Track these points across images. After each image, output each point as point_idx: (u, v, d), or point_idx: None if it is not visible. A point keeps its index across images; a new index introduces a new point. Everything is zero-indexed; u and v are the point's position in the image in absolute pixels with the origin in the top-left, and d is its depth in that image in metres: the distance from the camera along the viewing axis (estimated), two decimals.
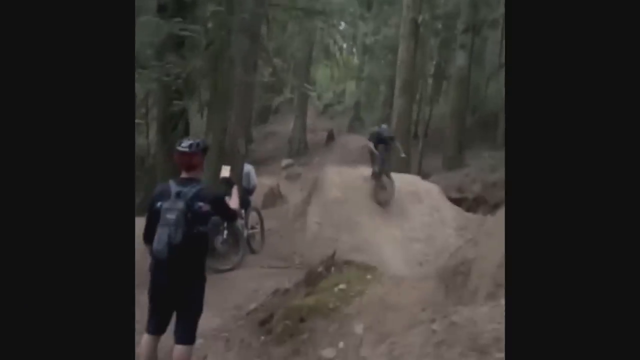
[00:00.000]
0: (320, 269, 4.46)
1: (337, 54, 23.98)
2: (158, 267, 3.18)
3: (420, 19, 14.49)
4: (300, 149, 20.10)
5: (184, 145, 3.24)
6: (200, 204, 3.10)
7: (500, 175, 12.76)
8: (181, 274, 3.18)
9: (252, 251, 7.56)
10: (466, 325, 1.51)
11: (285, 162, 18.74)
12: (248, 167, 7.84)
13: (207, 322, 4.72)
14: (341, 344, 3.69)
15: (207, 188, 3.31)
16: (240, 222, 7.22)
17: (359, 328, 3.76)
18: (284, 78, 16.65)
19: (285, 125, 22.74)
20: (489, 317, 1.45)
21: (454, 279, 3.63)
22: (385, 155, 9.71)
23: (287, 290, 4.67)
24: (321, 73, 24.38)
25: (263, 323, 4.25)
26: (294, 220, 9.78)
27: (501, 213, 3.78)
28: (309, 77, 20.11)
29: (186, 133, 7.69)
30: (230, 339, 4.26)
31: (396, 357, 1.74)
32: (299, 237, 8.86)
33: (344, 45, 25.72)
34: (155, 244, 3.07)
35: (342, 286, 4.16)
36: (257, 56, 7.20)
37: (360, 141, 21.14)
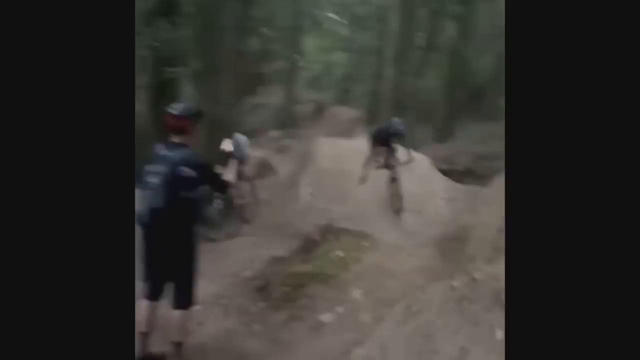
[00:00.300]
0: (316, 237, 4.48)
1: (326, 24, 23.68)
2: (144, 232, 3.16)
3: None
4: (288, 121, 19.96)
5: (176, 108, 3.21)
6: (185, 168, 3.04)
7: (488, 147, 12.86)
8: (167, 239, 3.17)
9: (245, 221, 7.57)
10: (488, 281, 1.54)
11: (273, 133, 18.62)
12: (240, 138, 7.77)
13: (203, 289, 4.74)
14: (340, 309, 3.75)
15: (194, 154, 3.21)
16: (234, 192, 7.20)
17: (357, 294, 3.82)
18: (273, 48, 16.46)
19: (273, 97, 22.53)
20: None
21: (451, 245, 3.67)
22: (390, 157, 8.39)
23: (283, 258, 4.70)
24: (310, 44, 24.05)
25: (260, 290, 4.29)
26: (285, 191, 9.78)
27: (499, 181, 3.82)
28: (298, 48, 19.85)
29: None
30: (228, 305, 4.29)
31: (414, 313, 1.76)
32: (291, 208, 8.87)
33: (333, 16, 25.40)
34: (138, 208, 3.01)
35: (339, 253, 4.20)
36: (248, 23, 7.08)
37: (348, 113, 21.09)
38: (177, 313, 3.30)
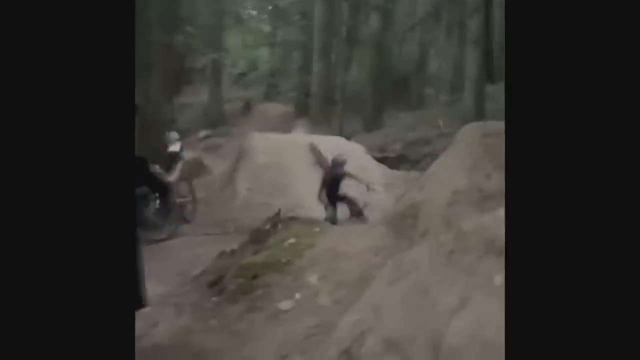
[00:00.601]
0: (267, 226, 4.44)
1: (248, 21, 23.44)
2: None
3: None
4: (217, 120, 19.57)
5: None
6: None
7: (418, 133, 13.25)
8: None
9: (185, 220, 7.38)
10: (477, 231, 1.56)
11: (202, 133, 18.21)
12: (174, 136, 7.58)
13: (151, 290, 4.57)
14: (297, 295, 3.72)
15: None
16: (171, 192, 7.00)
17: (313, 279, 3.81)
18: (196, 46, 16.09)
19: (199, 96, 21.99)
20: (502, 221, 1.50)
21: (403, 223, 3.75)
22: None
23: (233, 251, 4.61)
24: (233, 41, 23.71)
25: (212, 285, 4.18)
26: (222, 188, 9.61)
27: (444, 156, 3.94)
28: (221, 45, 19.49)
29: None
30: (180, 303, 4.16)
31: (406, 274, 1.77)
32: (229, 205, 8.74)
33: (254, 12, 25.20)
34: None
35: (291, 240, 4.17)
36: (173, 20, 6.88)
37: (277, 109, 21.02)
38: None
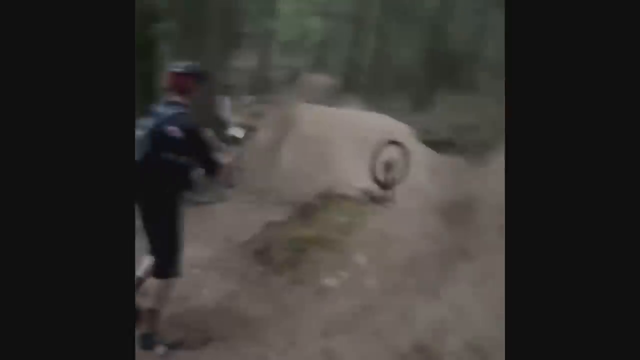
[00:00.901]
0: (317, 201, 4.44)
1: None
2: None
3: None
4: (263, 86, 19.60)
5: (179, 66, 3.03)
6: (172, 127, 2.81)
7: (466, 118, 12.97)
8: (146, 200, 2.92)
9: (230, 186, 7.45)
10: None
11: (248, 98, 18.28)
12: (226, 101, 7.63)
13: (199, 252, 4.67)
14: (344, 274, 3.73)
15: (187, 115, 2.95)
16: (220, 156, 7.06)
17: (360, 259, 3.80)
18: (251, 10, 16.02)
19: (247, 61, 22.05)
20: None
21: (456, 212, 3.69)
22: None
23: (281, 223, 4.64)
24: (286, 8, 23.50)
25: (259, 254, 4.23)
26: (266, 157, 9.66)
27: (493, 153, 3.84)
28: (273, 11, 19.37)
29: (159, 61, 7.29)
30: (226, 269, 4.23)
31: (491, 275, 1.74)
32: (272, 173, 8.78)
33: None
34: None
35: (341, 218, 4.17)
36: None
37: (324, 80, 20.87)
38: (155, 281, 3.09)
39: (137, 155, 2.81)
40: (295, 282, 3.81)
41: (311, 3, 23.18)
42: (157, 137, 2.82)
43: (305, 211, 4.46)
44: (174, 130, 2.81)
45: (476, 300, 1.74)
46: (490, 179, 3.61)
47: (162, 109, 2.93)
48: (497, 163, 3.87)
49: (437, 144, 11.45)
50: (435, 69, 15.66)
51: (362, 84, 14.56)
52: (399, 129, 10.34)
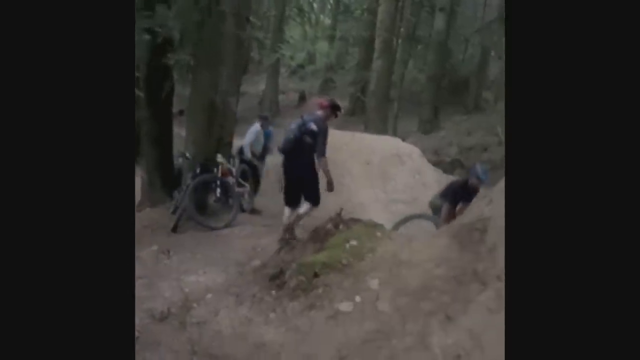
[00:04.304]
0: (328, 225, 4.49)
1: (309, 13, 23.53)
2: (283, 160, 5.38)
3: None
4: (272, 110, 19.83)
5: (327, 99, 5.54)
6: (312, 124, 5.08)
7: (474, 139, 13.05)
8: (295, 166, 5.28)
9: (243, 209, 7.54)
10: None
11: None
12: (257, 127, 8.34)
13: (213, 277, 4.74)
14: (357, 298, 3.76)
15: (322, 121, 5.19)
16: (232, 181, 7.17)
17: (374, 283, 3.83)
18: (259, 37, 16.29)
19: (255, 86, 22.33)
20: None
21: (469, 236, 3.71)
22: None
23: (293, 247, 4.70)
24: (294, 32, 23.88)
25: (273, 278, 4.27)
26: (277, 180, 9.76)
27: (500, 175, 3.88)
28: (282, 37, 19.70)
29: (172, 91, 7.45)
30: (241, 294, 4.27)
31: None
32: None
33: (315, 5, 25.27)
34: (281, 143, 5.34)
35: (353, 243, 4.21)
36: (249, 10, 7.01)
37: None
38: (306, 205, 5.43)
39: (290, 138, 5.13)
40: (310, 306, 3.84)
41: (318, 28, 23.58)
42: (304, 128, 5.09)
43: (317, 235, 4.52)
44: (313, 127, 5.08)
45: (492, 325, 1.78)
46: (498, 199, 3.65)
47: (308, 117, 5.19)
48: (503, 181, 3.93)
49: (445, 165, 11.54)
50: (442, 91, 15.80)
51: (370, 106, 14.68)
52: (409, 151, 10.44)
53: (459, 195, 6.00)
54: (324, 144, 5.07)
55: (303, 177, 5.22)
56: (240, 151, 8.36)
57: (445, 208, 5.88)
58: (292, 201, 5.42)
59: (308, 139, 5.03)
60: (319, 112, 5.19)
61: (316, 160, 5.20)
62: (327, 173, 5.21)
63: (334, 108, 5.25)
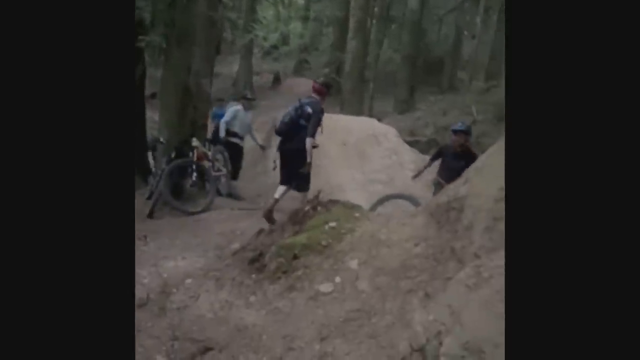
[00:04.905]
0: (307, 207, 4.49)
1: None
2: (279, 143, 5.64)
3: None
4: (246, 92, 19.59)
5: (319, 81, 5.81)
6: (308, 107, 5.39)
7: (450, 119, 13.13)
8: (289, 148, 5.52)
9: (219, 193, 7.49)
10: None
11: (231, 104, 18.25)
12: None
13: (192, 262, 4.71)
14: (337, 279, 3.79)
15: (318, 104, 5.47)
16: (208, 164, 7.09)
17: (353, 263, 3.86)
18: (231, 17, 16.02)
19: (228, 67, 22.02)
20: None
21: (447, 215, 3.75)
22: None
23: (272, 230, 4.69)
24: (267, 13, 23.54)
25: (253, 261, 4.27)
26: (254, 163, 9.71)
27: (492, 150, 3.92)
28: (254, 17, 19.40)
29: (143, 74, 7.29)
30: (220, 277, 4.26)
31: (486, 279, 1.79)
32: (261, 180, 8.84)
33: None
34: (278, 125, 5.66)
35: (332, 224, 4.22)
36: None
37: (306, 84, 20.94)
38: (300, 194, 5.68)
39: (286, 121, 5.44)
40: (290, 288, 3.85)
41: (291, 8, 23.29)
42: (300, 111, 5.40)
43: (296, 217, 4.52)
44: (309, 110, 5.37)
45: (471, 301, 1.81)
46: (474, 178, 3.69)
47: (305, 100, 5.51)
48: (480, 162, 3.97)
49: (421, 144, 11.62)
50: (417, 71, 15.82)
51: (345, 87, 14.65)
52: (385, 131, 10.47)
53: (448, 158, 6.35)
54: (315, 125, 5.32)
55: (295, 160, 5.41)
56: (216, 131, 8.27)
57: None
58: (286, 180, 5.66)
59: (303, 122, 5.31)
60: (316, 96, 5.51)
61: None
62: (309, 151, 5.35)
63: (329, 88, 5.68)
